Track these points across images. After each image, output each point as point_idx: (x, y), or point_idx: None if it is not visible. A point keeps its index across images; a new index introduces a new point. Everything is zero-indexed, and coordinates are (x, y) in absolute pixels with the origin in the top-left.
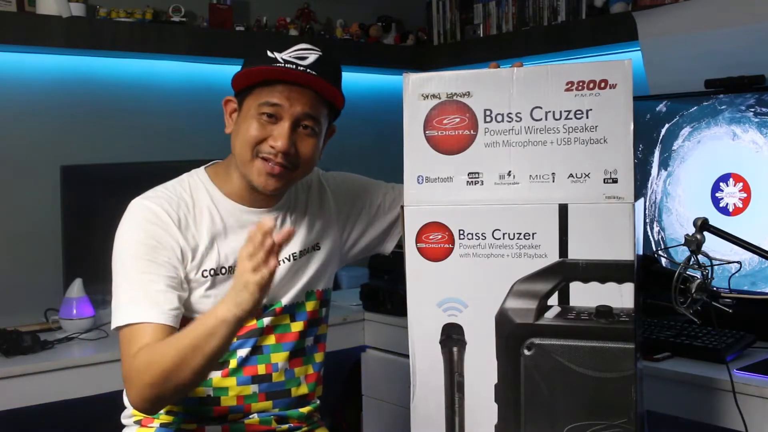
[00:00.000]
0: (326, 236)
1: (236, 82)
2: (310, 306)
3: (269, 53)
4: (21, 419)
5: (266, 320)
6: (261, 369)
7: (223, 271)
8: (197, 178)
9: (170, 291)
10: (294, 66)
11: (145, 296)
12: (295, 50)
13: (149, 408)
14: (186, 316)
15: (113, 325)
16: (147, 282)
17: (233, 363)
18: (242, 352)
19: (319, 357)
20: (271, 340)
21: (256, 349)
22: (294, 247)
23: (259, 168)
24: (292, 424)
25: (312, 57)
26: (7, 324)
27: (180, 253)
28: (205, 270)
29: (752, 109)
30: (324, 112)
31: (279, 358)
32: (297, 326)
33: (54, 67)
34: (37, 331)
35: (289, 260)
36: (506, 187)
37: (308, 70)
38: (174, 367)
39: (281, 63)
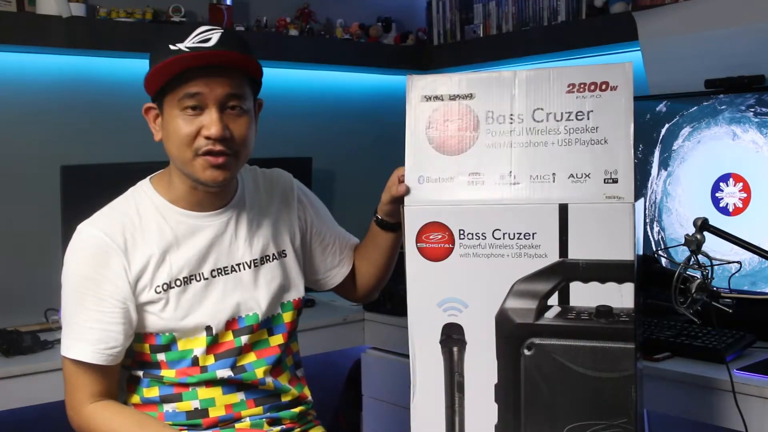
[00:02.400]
0: (291, 242)
1: (149, 85)
2: (287, 317)
3: (171, 46)
4: (21, 419)
5: (244, 338)
6: (247, 382)
7: (177, 282)
8: (142, 192)
9: (110, 330)
10: (200, 50)
11: (83, 333)
12: (197, 35)
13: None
14: (144, 333)
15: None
16: (88, 320)
17: (215, 380)
18: (222, 373)
19: (290, 361)
20: (251, 357)
21: (238, 369)
22: (255, 252)
23: (202, 164)
24: (284, 426)
25: (215, 37)
26: (7, 324)
27: (127, 282)
28: (158, 286)
29: (752, 109)
30: (246, 87)
31: (262, 372)
32: (276, 340)
33: (54, 67)
34: (37, 331)
35: (250, 267)
36: (507, 187)
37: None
38: None
39: (187, 51)
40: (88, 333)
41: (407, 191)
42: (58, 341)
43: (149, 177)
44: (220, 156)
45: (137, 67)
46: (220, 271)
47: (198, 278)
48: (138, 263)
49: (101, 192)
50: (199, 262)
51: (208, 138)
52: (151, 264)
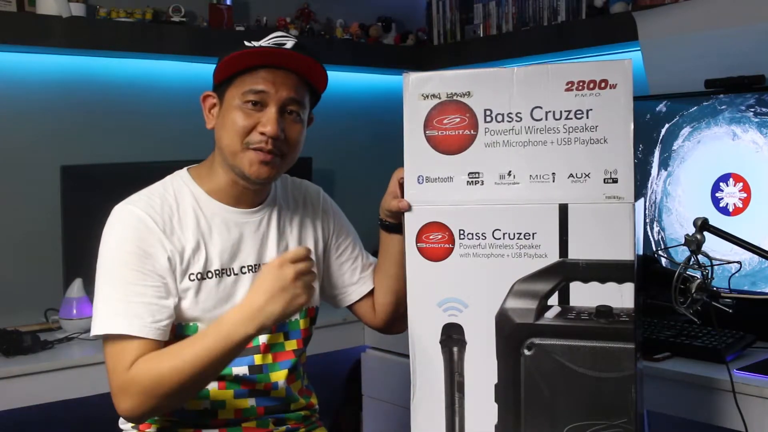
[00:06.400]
0: (313, 251)
1: (218, 73)
2: (303, 324)
3: (247, 43)
4: (21, 419)
5: (262, 338)
6: (260, 386)
7: (210, 275)
8: (180, 180)
9: (156, 303)
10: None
11: (130, 308)
12: (273, 38)
13: (141, 418)
14: (174, 323)
15: (94, 332)
16: (132, 294)
17: (230, 378)
18: (238, 370)
19: (302, 370)
20: (268, 359)
21: (255, 368)
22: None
23: (251, 158)
24: (289, 426)
25: (290, 43)
26: (7, 324)
27: (167, 260)
28: (192, 274)
29: (752, 109)
30: (307, 97)
31: (278, 377)
32: (291, 345)
33: (54, 67)
34: (37, 331)
35: None
36: (506, 187)
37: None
38: (176, 378)
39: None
40: (132, 308)
41: (408, 207)
42: (59, 341)
43: (187, 168)
44: (269, 154)
45: (137, 67)
46: (250, 267)
47: (229, 273)
48: (176, 246)
49: (101, 192)
50: (231, 256)
51: (262, 134)
52: (187, 250)
